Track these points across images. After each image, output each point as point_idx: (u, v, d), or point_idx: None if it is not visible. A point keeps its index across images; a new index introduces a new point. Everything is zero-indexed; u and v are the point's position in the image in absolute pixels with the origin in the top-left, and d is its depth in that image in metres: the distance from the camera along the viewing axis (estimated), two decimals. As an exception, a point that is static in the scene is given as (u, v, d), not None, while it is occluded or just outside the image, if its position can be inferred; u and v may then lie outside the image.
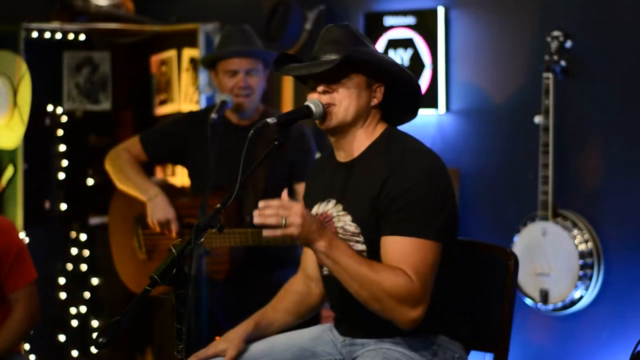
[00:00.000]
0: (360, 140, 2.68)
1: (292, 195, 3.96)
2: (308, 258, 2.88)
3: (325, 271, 2.75)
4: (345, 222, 2.65)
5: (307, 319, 2.94)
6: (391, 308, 2.51)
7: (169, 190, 4.00)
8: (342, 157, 2.72)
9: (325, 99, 2.63)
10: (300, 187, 3.94)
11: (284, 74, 2.73)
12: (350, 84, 2.62)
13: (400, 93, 2.71)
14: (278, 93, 4.83)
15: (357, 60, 2.60)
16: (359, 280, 2.51)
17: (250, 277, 3.86)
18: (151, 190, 3.89)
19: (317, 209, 2.75)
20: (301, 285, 2.91)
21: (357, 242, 2.64)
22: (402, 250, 2.53)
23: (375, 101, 2.66)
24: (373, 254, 2.62)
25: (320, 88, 2.63)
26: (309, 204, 2.80)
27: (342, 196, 2.68)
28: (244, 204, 3.86)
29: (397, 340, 2.67)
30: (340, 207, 2.68)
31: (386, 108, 2.72)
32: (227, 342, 2.78)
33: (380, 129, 2.70)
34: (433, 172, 2.61)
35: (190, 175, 4.03)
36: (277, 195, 3.87)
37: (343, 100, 2.63)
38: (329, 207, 2.70)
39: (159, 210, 3.85)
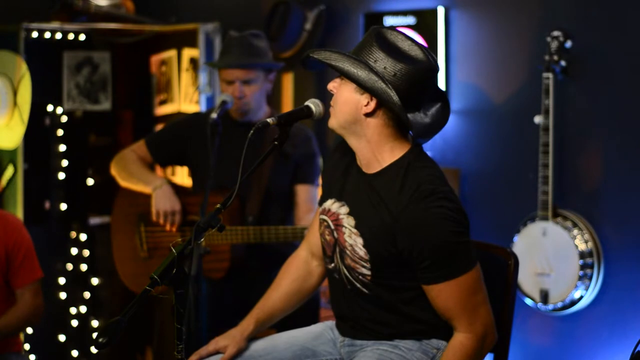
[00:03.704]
0: (374, 157, 2.62)
1: (292, 196, 3.96)
2: (314, 234, 2.86)
3: (331, 267, 2.75)
4: (356, 242, 2.63)
5: (307, 299, 2.94)
6: None
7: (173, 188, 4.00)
8: (361, 165, 2.68)
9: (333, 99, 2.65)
10: (302, 189, 3.94)
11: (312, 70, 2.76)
12: (341, 87, 2.61)
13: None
14: (278, 93, 4.83)
15: (332, 66, 2.57)
16: None
17: (250, 274, 3.86)
18: (157, 180, 3.92)
19: (331, 205, 2.73)
20: (301, 266, 2.91)
21: (363, 267, 2.63)
22: (448, 297, 2.56)
23: (364, 110, 2.58)
24: (376, 278, 2.63)
25: (330, 85, 2.65)
26: (325, 190, 2.79)
27: (356, 210, 2.65)
28: (247, 203, 3.87)
29: (395, 343, 2.67)
30: (352, 220, 2.65)
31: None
32: (228, 339, 2.79)
33: (400, 149, 2.62)
34: (445, 218, 2.52)
35: (193, 175, 4.05)
36: (280, 195, 3.93)
37: (336, 102, 2.63)
38: (341, 212, 2.69)
39: (164, 199, 3.86)
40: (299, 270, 2.91)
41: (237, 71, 3.85)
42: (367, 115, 2.58)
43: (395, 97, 2.51)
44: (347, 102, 2.60)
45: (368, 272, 2.63)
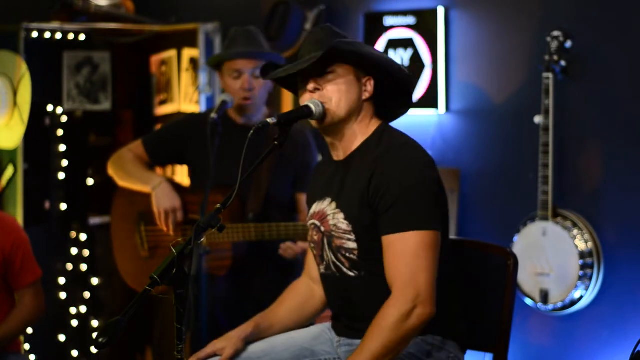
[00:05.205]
0: (355, 137, 2.69)
1: (294, 204, 3.96)
2: (311, 261, 2.89)
3: (323, 269, 2.76)
4: (338, 219, 2.66)
5: (309, 323, 2.94)
6: (409, 333, 2.51)
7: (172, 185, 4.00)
8: (338, 155, 2.73)
9: (315, 97, 2.63)
10: (302, 197, 3.94)
11: (272, 77, 2.73)
12: (338, 78, 2.63)
13: (392, 87, 2.71)
14: (278, 93, 4.83)
15: (342, 51, 2.59)
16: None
17: (251, 272, 3.86)
18: (155, 179, 3.91)
19: (316, 207, 2.76)
20: (304, 289, 2.92)
21: (349, 240, 2.65)
22: (395, 252, 2.54)
23: (366, 94, 2.66)
24: (363, 251, 2.63)
25: (311, 85, 2.63)
26: (310, 203, 2.83)
27: (337, 194, 2.69)
28: (247, 202, 3.86)
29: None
30: (334, 205, 2.69)
31: (380, 103, 2.72)
32: (225, 341, 2.79)
33: (374, 125, 2.71)
34: (418, 162, 2.60)
35: (193, 175, 4.05)
36: (280, 199, 3.93)
37: (333, 96, 2.63)
38: (324, 206, 2.72)
39: (164, 198, 3.85)
40: (301, 289, 2.93)
41: (246, 61, 3.83)
42: (367, 99, 2.68)
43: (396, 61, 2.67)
44: (349, 91, 2.64)
45: (354, 245, 2.64)
